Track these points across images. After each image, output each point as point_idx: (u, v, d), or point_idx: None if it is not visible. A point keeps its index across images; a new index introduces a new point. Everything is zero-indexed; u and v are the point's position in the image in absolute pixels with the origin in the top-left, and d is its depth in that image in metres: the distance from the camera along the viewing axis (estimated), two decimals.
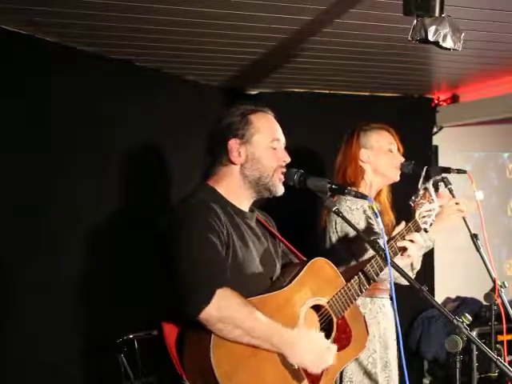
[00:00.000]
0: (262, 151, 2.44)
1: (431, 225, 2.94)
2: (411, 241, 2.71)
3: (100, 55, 3.90)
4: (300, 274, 2.42)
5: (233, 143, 2.42)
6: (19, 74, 3.41)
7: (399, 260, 2.68)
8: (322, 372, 2.37)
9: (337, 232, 3.18)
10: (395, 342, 3.25)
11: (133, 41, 3.72)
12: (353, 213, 3.12)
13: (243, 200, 2.47)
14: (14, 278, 3.36)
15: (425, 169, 3.06)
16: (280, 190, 2.47)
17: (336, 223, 3.17)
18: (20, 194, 3.41)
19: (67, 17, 3.29)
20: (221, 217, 2.32)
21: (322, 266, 2.54)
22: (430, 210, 2.91)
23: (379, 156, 3.33)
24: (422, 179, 2.99)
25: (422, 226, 2.87)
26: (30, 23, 3.39)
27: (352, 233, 3.10)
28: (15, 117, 3.39)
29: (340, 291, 2.51)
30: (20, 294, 3.39)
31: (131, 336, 3.56)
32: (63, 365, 3.54)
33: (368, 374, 3.10)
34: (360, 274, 2.56)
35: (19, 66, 3.42)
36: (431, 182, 2.96)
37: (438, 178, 3.14)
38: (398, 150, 3.39)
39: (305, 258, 2.62)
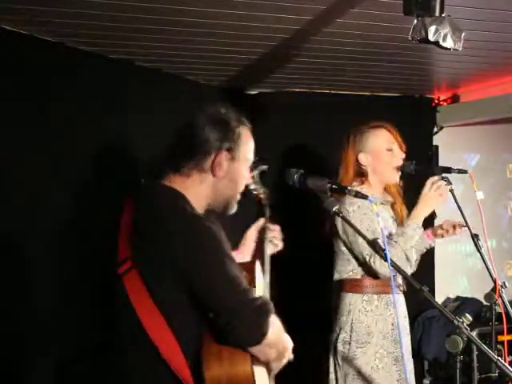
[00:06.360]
0: (241, 172, 2.30)
1: None
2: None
3: (100, 55, 3.90)
4: (255, 277, 2.40)
5: (224, 156, 2.24)
6: (19, 74, 3.41)
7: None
8: None
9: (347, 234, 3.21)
10: (409, 337, 3.35)
11: (133, 41, 3.72)
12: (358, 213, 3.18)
13: (202, 210, 2.27)
14: (14, 277, 3.36)
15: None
16: (232, 211, 2.34)
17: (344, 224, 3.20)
18: (20, 194, 3.41)
19: (67, 17, 3.29)
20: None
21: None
22: None
23: (378, 157, 3.34)
24: None
25: None
26: (30, 23, 3.39)
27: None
28: (15, 117, 3.39)
29: None
30: (20, 294, 3.39)
31: None
32: (63, 364, 3.54)
33: (375, 369, 3.17)
34: None
35: (19, 66, 3.41)
36: None
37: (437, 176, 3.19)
38: (400, 147, 3.38)
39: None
